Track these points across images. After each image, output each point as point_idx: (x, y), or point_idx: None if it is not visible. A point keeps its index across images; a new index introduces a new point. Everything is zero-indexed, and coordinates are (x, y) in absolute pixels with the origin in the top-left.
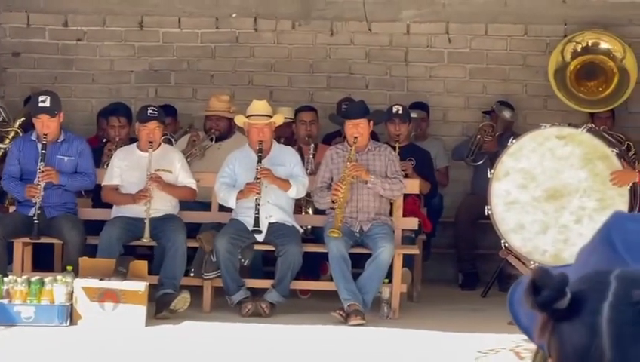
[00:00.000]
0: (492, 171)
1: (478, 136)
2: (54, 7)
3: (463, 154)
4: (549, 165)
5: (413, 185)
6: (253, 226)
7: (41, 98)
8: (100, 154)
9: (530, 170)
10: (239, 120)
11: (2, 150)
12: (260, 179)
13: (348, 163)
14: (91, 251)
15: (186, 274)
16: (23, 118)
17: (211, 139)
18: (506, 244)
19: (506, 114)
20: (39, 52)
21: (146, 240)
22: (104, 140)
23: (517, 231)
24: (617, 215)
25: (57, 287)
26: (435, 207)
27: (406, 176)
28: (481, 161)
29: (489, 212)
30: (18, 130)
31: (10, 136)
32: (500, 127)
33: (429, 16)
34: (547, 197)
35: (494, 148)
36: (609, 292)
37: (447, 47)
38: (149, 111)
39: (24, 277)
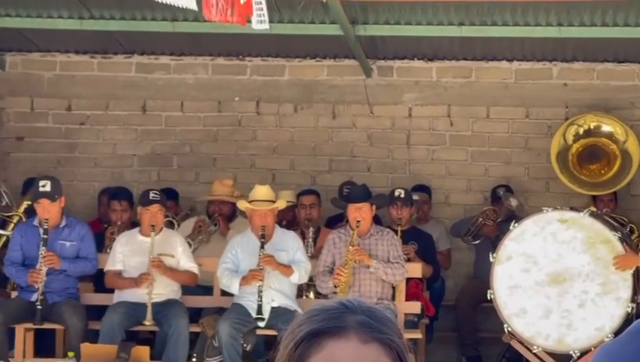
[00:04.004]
0: (494, 255)
1: (480, 219)
2: (58, 91)
3: (460, 232)
4: (552, 249)
5: (416, 269)
6: (256, 314)
7: (41, 183)
8: (102, 238)
9: (532, 254)
10: (242, 205)
11: (5, 237)
12: (262, 266)
13: (350, 247)
14: (93, 337)
15: (189, 359)
16: (27, 203)
17: (215, 224)
18: (509, 329)
19: (512, 202)
20: (43, 136)
21: (149, 322)
22: (105, 224)
23: (520, 315)
24: None
25: None
26: (438, 291)
27: (408, 260)
28: (478, 241)
29: (491, 296)
30: (22, 215)
31: (14, 221)
32: (503, 214)
33: (430, 99)
34: (550, 281)
35: (494, 233)
36: None
37: (449, 129)
38: (151, 194)
39: None
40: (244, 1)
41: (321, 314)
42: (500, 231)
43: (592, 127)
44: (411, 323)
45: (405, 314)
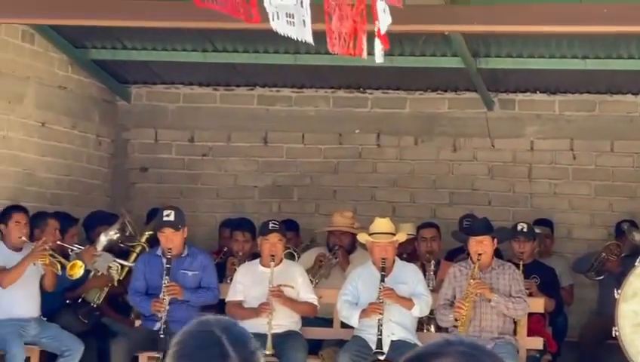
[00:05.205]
0: (619, 292)
1: (603, 254)
2: (181, 123)
3: (583, 268)
4: None
5: (538, 304)
6: (376, 348)
7: (165, 212)
8: (222, 269)
9: None
10: (362, 238)
11: (128, 268)
12: (382, 299)
13: (471, 280)
14: None
15: None
16: (150, 232)
17: (335, 256)
18: None
19: (637, 237)
20: (166, 167)
21: (269, 351)
22: (224, 250)
23: None
24: None
25: None
26: (560, 326)
27: (530, 295)
28: (602, 277)
29: (616, 333)
30: (144, 245)
31: (137, 251)
32: (627, 249)
33: (553, 132)
34: None
35: (617, 269)
36: None
37: (572, 163)
38: (271, 224)
39: None
40: (364, 34)
41: (423, 348)
42: (624, 266)
43: None
44: (533, 359)
45: (527, 350)
